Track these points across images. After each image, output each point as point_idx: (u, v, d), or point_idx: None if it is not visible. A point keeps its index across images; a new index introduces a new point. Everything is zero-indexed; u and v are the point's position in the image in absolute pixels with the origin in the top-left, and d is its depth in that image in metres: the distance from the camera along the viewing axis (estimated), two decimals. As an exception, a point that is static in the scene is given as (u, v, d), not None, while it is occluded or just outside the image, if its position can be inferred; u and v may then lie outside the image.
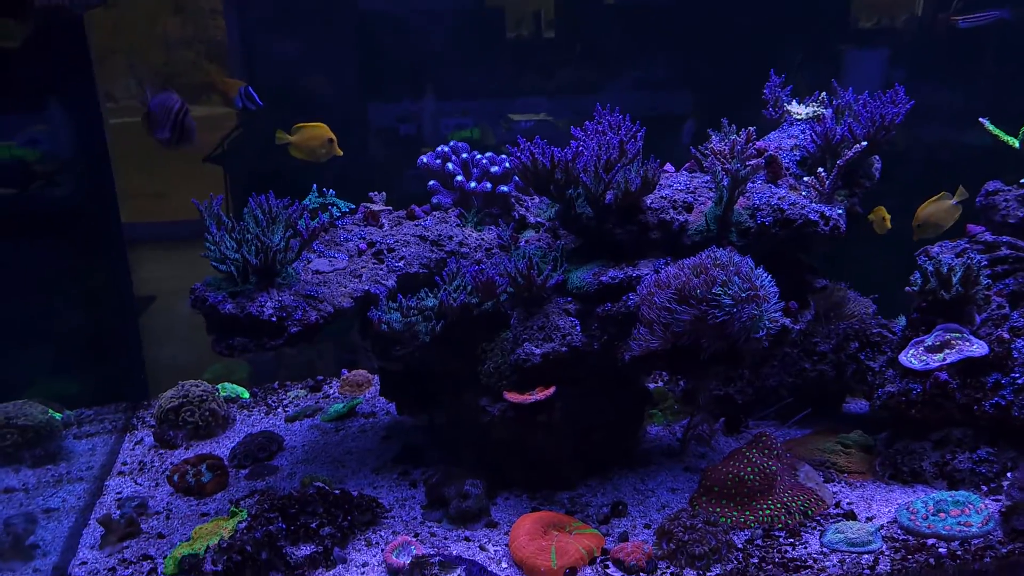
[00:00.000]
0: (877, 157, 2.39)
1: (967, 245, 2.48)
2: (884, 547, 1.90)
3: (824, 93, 2.38)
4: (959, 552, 1.84)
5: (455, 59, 3.25)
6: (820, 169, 2.14)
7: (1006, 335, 2.15)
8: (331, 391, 3.08)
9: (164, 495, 2.31)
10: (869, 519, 2.02)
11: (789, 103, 2.40)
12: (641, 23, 3.32)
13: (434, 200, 2.39)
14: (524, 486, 2.18)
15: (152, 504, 2.25)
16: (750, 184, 2.10)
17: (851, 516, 2.03)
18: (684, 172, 2.32)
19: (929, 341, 2.20)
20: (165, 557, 1.94)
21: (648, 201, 2.04)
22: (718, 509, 2.06)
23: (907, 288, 2.28)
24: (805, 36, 3.27)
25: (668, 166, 2.34)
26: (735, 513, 2.05)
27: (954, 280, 2.18)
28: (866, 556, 1.87)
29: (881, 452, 2.25)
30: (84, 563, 1.98)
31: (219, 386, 3.03)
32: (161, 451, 2.61)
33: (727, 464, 2.11)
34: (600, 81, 3.38)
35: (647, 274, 1.92)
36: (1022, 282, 2.40)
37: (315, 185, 2.45)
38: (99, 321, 3.07)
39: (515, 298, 2.01)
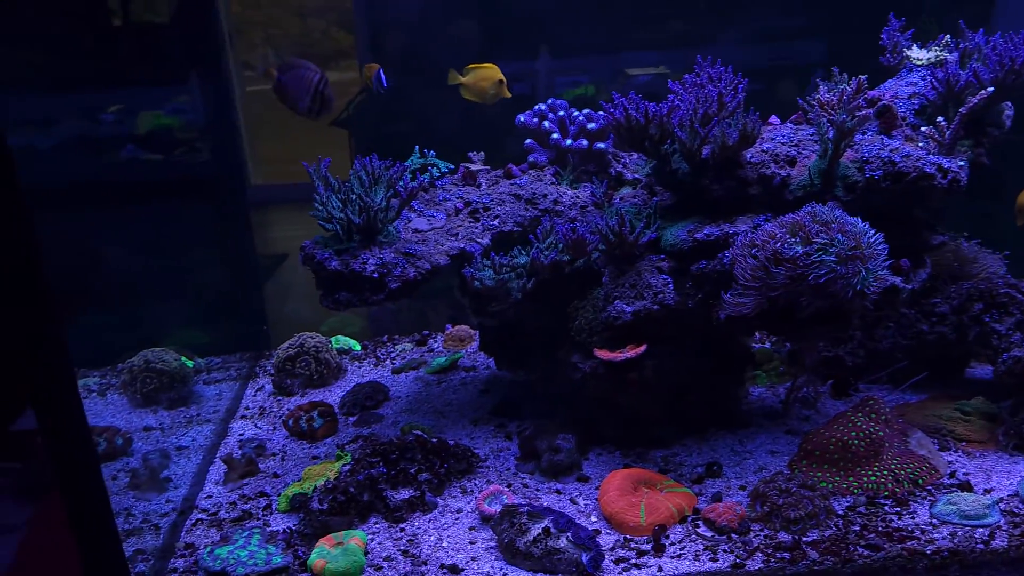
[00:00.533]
0: (1009, 104, 2.19)
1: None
2: (1002, 521, 1.78)
3: (947, 36, 2.19)
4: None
5: (571, 15, 3.19)
6: (940, 118, 1.99)
7: None
8: (436, 345, 3.19)
9: (280, 438, 2.48)
10: (987, 491, 1.91)
11: (909, 48, 2.22)
12: None
13: (530, 158, 2.40)
14: (617, 443, 2.19)
15: (269, 446, 2.43)
16: (859, 136, 1.98)
17: (967, 487, 1.92)
18: (789, 124, 2.21)
19: (1061, 305, 2.03)
20: (279, 495, 2.10)
21: (748, 155, 1.96)
22: (819, 474, 1.99)
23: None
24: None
25: (773, 118, 2.24)
26: (837, 479, 1.98)
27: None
28: (981, 530, 1.77)
29: (1006, 421, 2.10)
30: (210, 496, 2.17)
31: (333, 338, 3.20)
32: (279, 398, 2.79)
33: (830, 428, 2.04)
34: (721, 33, 3.23)
35: (744, 231, 1.86)
36: None
37: (417, 147, 2.50)
38: (227, 278, 3.30)
39: (607, 255, 2.01)
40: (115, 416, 2.67)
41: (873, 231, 1.77)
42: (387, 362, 3.07)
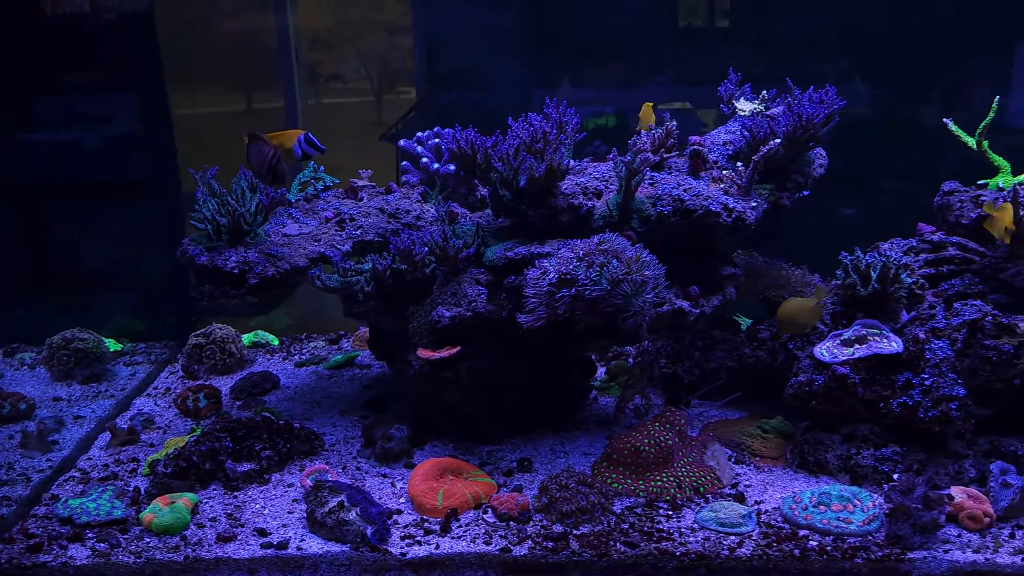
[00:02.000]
0: (821, 153, 2.42)
1: (917, 244, 2.45)
2: (756, 531, 1.98)
3: (765, 91, 2.42)
4: (829, 548, 1.89)
5: (624, 46, 3.40)
6: (739, 164, 2.22)
7: (922, 335, 2.14)
8: (346, 345, 3.46)
9: (171, 415, 2.77)
10: (758, 503, 2.11)
11: (739, 100, 2.46)
12: (820, 15, 3.29)
13: (403, 179, 2.68)
14: (452, 437, 2.43)
15: (158, 421, 2.71)
16: (663, 174, 2.22)
17: (740, 498, 2.12)
18: (611, 161, 2.43)
19: (846, 335, 2.23)
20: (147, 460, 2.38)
21: (563, 187, 2.21)
22: (614, 475, 2.22)
23: (833, 282, 2.31)
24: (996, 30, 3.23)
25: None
26: (628, 481, 2.20)
27: (872, 277, 2.19)
28: (732, 538, 1.96)
29: (796, 440, 2.30)
30: (90, 459, 2.46)
31: (255, 332, 3.49)
32: (186, 381, 3.08)
33: (630, 435, 2.26)
34: (769, 72, 3.28)
35: (549, 251, 2.11)
36: (968, 283, 2.35)
37: (312, 164, 2.80)
38: (162, 273, 3.61)
39: (440, 266, 2.27)
40: (33, 386, 2.98)
41: (652, 259, 2.01)
42: (296, 357, 3.34)
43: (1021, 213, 2.25)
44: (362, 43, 3.60)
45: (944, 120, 2.52)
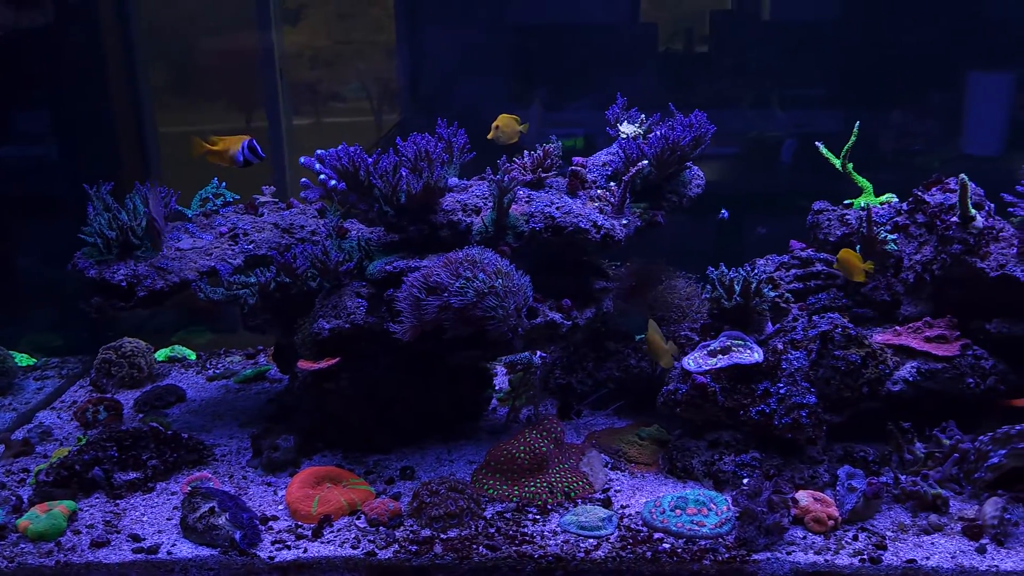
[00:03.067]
0: (699, 174, 2.54)
1: (788, 260, 2.58)
2: (615, 535, 2.06)
3: (643, 115, 2.54)
4: (680, 550, 1.98)
5: (603, 71, 3.51)
6: (612, 183, 2.33)
7: (780, 346, 2.26)
8: (262, 359, 3.51)
9: (71, 428, 2.80)
10: (623, 507, 2.19)
11: (622, 123, 2.58)
12: (795, 40, 3.46)
13: (302, 195, 2.75)
14: (342, 446, 2.49)
15: (58, 433, 2.74)
16: (540, 193, 2.32)
17: (607, 503, 2.21)
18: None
19: (713, 345, 2.33)
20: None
21: (444, 204, 2.30)
22: (491, 482, 2.29)
23: (703, 295, 2.42)
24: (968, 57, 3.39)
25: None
26: (504, 487, 2.27)
27: (736, 290, 2.31)
28: (591, 541, 2.04)
29: (668, 447, 2.40)
30: (-19, 470, 2.49)
31: (171, 347, 3.53)
32: (94, 394, 3.11)
33: (508, 443, 2.33)
34: (744, 96, 3.56)
35: (422, 265, 2.20)
36: (833, 297, 2.48)
37: (215, 179, 2.86)
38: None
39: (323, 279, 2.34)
40: (-61, 399, 3.00)
41: (517, 272, 2.11)
42: (210, 371, 3.38)
43: (875, 231, 2.38)
44: (362, 63, 3.69)
45: (816, 143, 2.67)
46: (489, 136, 2.60)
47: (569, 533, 2.07)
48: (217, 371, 3.34)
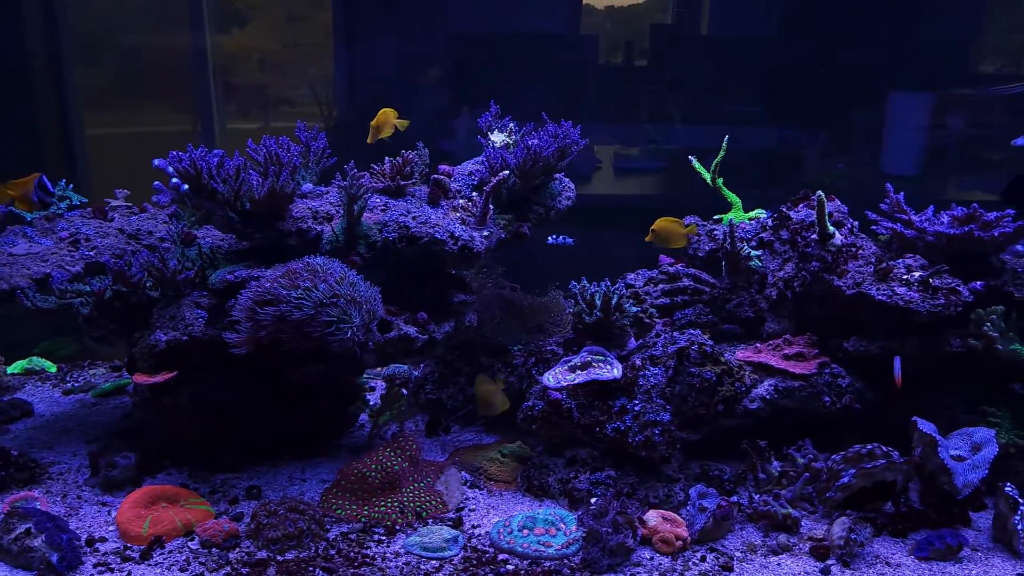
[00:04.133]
0: (570, 186, 2.50)
1: (656, 275, 2.56)
2: (459, 556, 1.98)
3: (513, 124, 2.49)
4: (523, 572, 1.90)
5: (542, 81, 3.48)
6: (474, 194, 2.27)
7: (638, 362, 2.22)
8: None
9: (-100, 444, 2.58)
10: (474, 527, 2.12)
11: (493, 132, 2.52)
12: (732, 57, 3.47)
13: (154, 199, 2.61)
14: (187, 464, 2.36)
15: None
16: (399, 201, 2.24)
17: (459, 523, 2.13)
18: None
19: (574, 361, 2.28)
20: None
21: (295, 211, 2.20)
22: (340, 501, 2.19)
23: (568, 311, 2.37)
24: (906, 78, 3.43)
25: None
26: (354, 507, 2.17)
27: (597, 305, 2.27)
28: (433, 562, 1.96)
29: (527, 465, 2.34)
30: None
31: (30, 359, 3.32)
32: (-63, 408, 2.89)
33: (360, 461, 2.23)
34: (686, 111, 3.56)
35: (264, 275, 2.09)
36: (699, 312, 2.46)
37: (63, 181, 2.70)
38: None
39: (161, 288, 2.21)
40: None
41: (364, 283, 2.01)
42: (69, 384, 3.19)
43: (738, 247, 2.37)
44: (312, 67, 3.58)
45: (689, 157, 2.66)
46: (369, 140, 2.52)
47: (412, 555, 1.99)
48: (76, 384, 3.15)
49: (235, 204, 2.12)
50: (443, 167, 2.41)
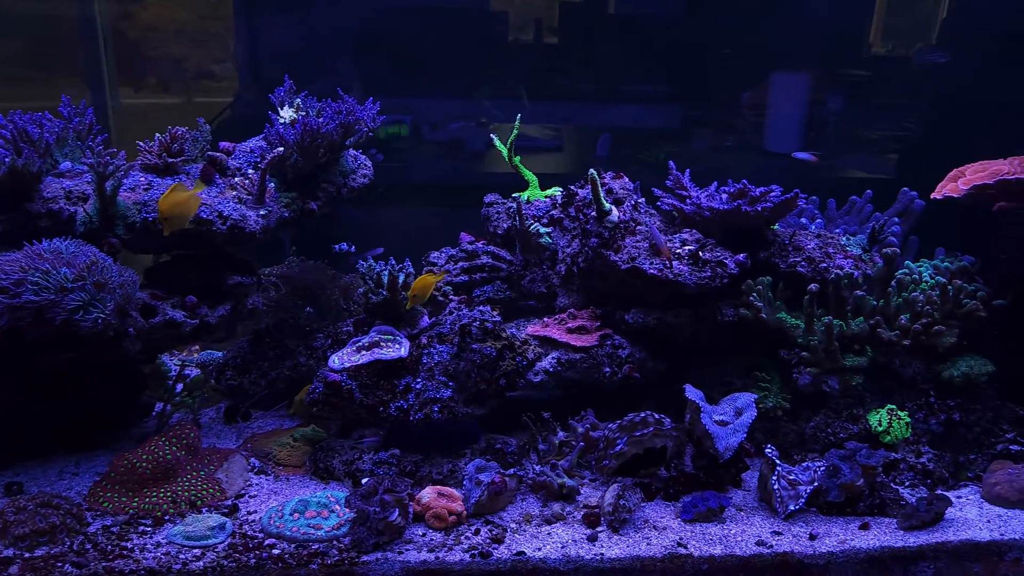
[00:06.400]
0: (367, 164, 2.47)
1: (456, 252, 2.56)
2: (224, 543, 1.92)
3: (299, 100, 2.43)
4: (288, 555, 1.87)
5: (449, 57, 3.33)
6: (251, 171, 2.20)
7: (425, 340, 2.22)
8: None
9: None
10: (250, 513, 2.07)
11: (283, 107, 2.45)
12: (639, 36, 3.43)
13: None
14: (-48, 463, 2.21)
15: None
16: (167, 180, 2.15)
17: (234, 510, 2.07)
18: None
19: (363, 341, 2.26)
20: None
21: (46, 191, 2.08)
22: (109, 494, 2.09)
23: (360, 290, 2.34)
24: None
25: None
26: (123, 499, 2.08)
27: (384, 284, 2.25)
28: (195, 551, 1.90)
29: (316, 448, 2.30)
30: None
31: None
32: None
33: (131, 452, 2.14)
34: (595, 90, 3.50)
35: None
36: (497, 288, 2.48)
37: None
38: None
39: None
40: None
41: (116, 267, 1.92)
42: None
43: (527, 224, 2.40)
44: (232, 40, 3.32)
45: (491, 136, 2.66)
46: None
47: (174, 544, 1.92)
48: None
49: (-24, 184, 1.98)
50: (223, 144, 2.32)
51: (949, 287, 2.26)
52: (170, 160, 2.15)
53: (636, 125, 3.63)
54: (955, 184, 2.27)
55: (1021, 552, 2.02)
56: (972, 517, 2.11)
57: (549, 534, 2.01)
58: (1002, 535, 2.04)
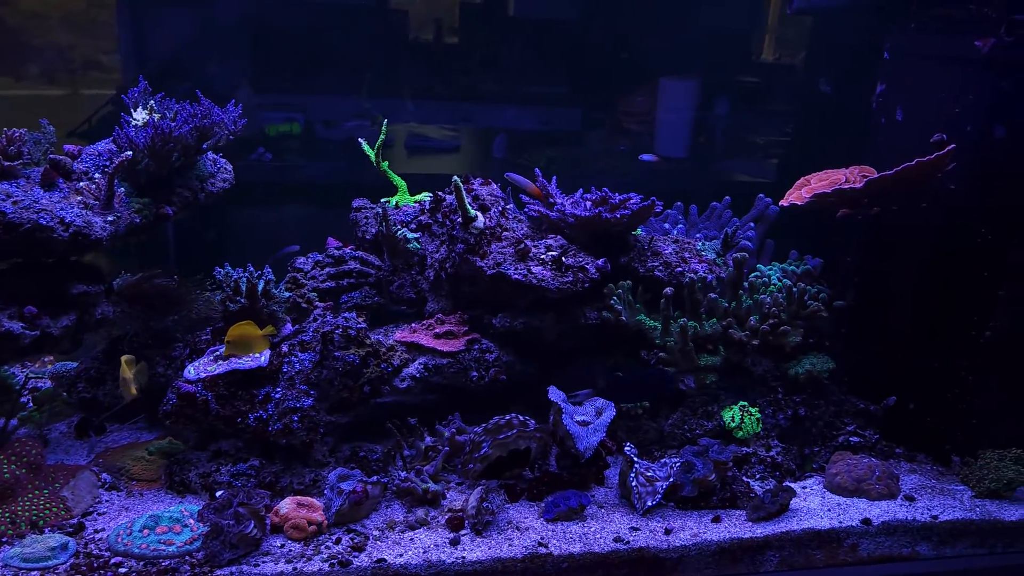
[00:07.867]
0: (227, 168, 2.41)
1: (323, 258, 2.54)
2: (67, 564, 1.82)
3: (153, 102, 2.34)
4: (135, 573, 1.80)
5: (345, 56, 3.26)
6: (98, 175, 2.11)
7: (285, 348, 2.18)
8: None
9: None
10: (97, 531, 1.97)
11: (136, 109, 2.35)
12: (538, 38, 3.45)
13: None
14: None
15: None
16: (5, 185, 2.03)
17: (79, 529, 1.97)
18: None
19: (221, 350, 2.20)
20: None
21: None
22: (-60, 519, 1.97)
23: (217, 295, 2.28)
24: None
25: None
26: (-45, 523, 1.96)
27: (242, 291, 2.20)
28: (34, 573, 1.80)
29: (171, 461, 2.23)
30: None
31: None
32: None
33: (-32, 472, 2.03)
34: (496, 90, 3.50)
35: None
36: (364, 295, 2.47)
37: None
38: None
39: None
40: None
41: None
42: None
43: (394, 230, 2.39)
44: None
45: (359, 140, 2.65)
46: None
47: (10, 568, 1.82)
48: None
49: None
50: (68, 147, 2.21)
51: (795, 289, 2.40)
52: (7, 164, 2.03)
53: (534, 127, 3.69)
54: (799, 192, 2.41)
55: (858, 538, 2.17)
56: (815, 507, 2.24)
57: (412, 540, 2.01)
58: (840, 523, 2.18)
